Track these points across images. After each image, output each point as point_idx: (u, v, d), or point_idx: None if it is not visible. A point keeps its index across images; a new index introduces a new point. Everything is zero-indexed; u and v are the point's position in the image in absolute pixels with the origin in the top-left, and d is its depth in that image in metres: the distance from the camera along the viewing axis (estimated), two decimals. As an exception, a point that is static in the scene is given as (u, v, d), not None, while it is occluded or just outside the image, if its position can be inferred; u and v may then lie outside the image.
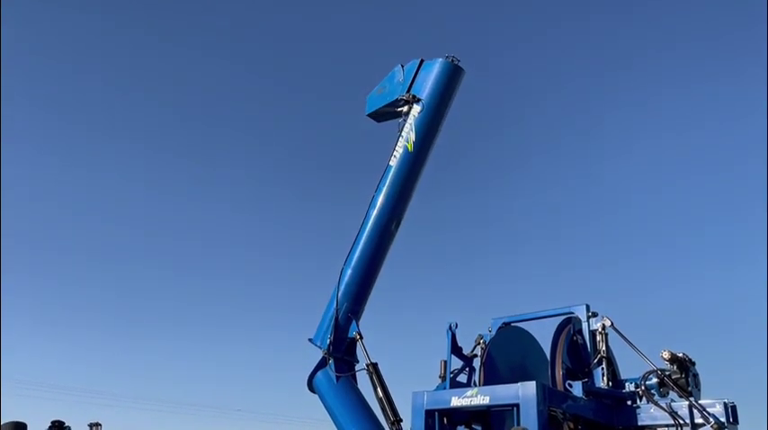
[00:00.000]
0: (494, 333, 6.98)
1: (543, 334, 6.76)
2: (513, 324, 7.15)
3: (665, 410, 5.90)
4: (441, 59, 8.23)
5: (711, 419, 5.66)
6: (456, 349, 6.79)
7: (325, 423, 8.12)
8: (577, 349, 6.69)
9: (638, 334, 6.65)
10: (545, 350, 6.82)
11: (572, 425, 5.65)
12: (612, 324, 6.59)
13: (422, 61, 8.38)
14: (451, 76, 8.19)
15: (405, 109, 8.23)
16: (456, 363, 6.81)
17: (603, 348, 6.54)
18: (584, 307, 6.86)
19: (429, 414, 6.00)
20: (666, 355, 6.03)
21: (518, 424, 5.28)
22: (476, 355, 6.83)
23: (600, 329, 6.65)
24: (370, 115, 8.99)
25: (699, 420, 5.76)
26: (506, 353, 6.76)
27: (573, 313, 6.87)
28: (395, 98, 8.42)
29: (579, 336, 6.74)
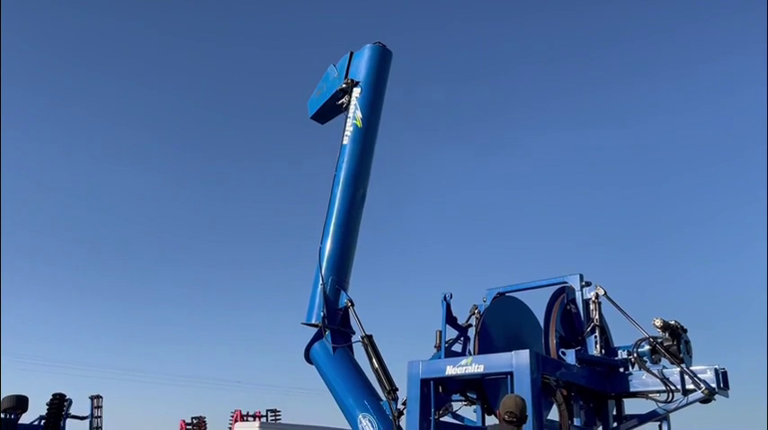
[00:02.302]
0: (488, 303, 7.03)
1: (537, 303, 6.84)
2: (507, 294, 7.20)
3: (657, 377, 5.98)
4: (368, 45, 9.10)
5: (702, 385, 5.74)
6: (451, 319, 6.84)
7: (322, 393, 8.26)
8: (571, 318, 6.74)
9: (631, 303, 6.72)
10: (539, 319, 6.90)
11: (565, 392, 5.72)
12: (606, 293, 6.63)
13: (351, 53, 9.18)
14: (381, 56, 9.02)
15: (345, 100, 8.98)
16: (451, 333, 6.87)
17: (596, 317, 6.60)
18: (578, 276, 6.90)
19: (424, 382, 6.07)
20: (659, 323, 6.08)
21: (512, 391, 5.36)
22: (470, 325, 6.88)
23: (593, 298, 6.68)
24: (313, 117, 9.71)
25: (690, 386, 5.84)
26: (501, 323, 6.81)
27: (567, 283, 6.90)
28: (333, 92, 9.16)
29: (573, 306, 6.79)
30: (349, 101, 8.85)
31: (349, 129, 8.69)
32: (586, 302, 6.75)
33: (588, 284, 6.83)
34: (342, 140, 8.72)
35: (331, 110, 9.48)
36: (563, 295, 6.76)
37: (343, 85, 8.96)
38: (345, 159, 8.54)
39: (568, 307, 6.75)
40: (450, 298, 6.83)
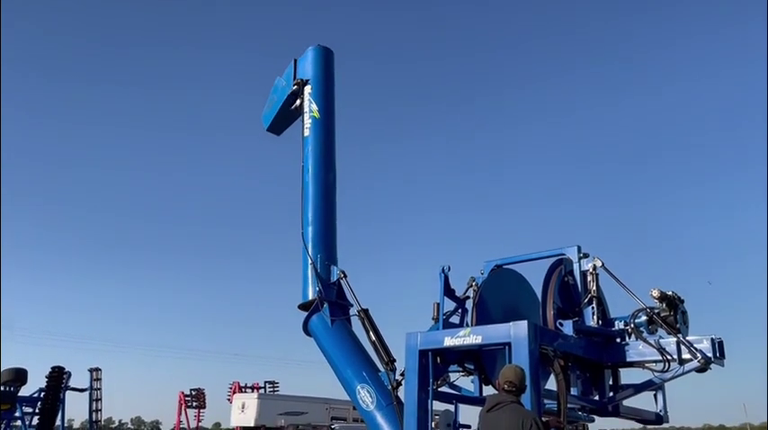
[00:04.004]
0: (486, 275, 7.03)
1: (535, 275, 6.85)
2: (505, 266, 7.20)
3: (654, 346, 6.02)
4: (310, 48, 9.65)
5: (699, 354, 5.78)
6: (449, 291, 6.85)
7: (320, 365, 8.34)
8: (568, 289, 6.76)
9: (629, 274, 6.73)
10: (537, 291, 6.92)
11: (562, 362, 5.76)
12: (603, 264, 6.64)
13: (295, 60, 9.72)
14: (324, 54, 9.62)
15: (297, 102, 9.50)
16: (449, 306, 6.89)
17: (594, 288, 6.62)
18: (576, 248, 6.90)
19: (422, 353, 6.11)
20: (656, 294, 6.10)
21: (510, 362, 5.39)
22: (468, 297, 6.89)
23: (591, 270, 6.69)
24: (269, 129, 10.20)
25: (686, 355, 5.88)
26: (498, 295, 6.83)
27: (564, 254, 6.91)
28: (285, 98, 9.67)
29: (570, 277, 6.80)
30: (302, 100, 9.39)
31: (308, 122, 9.21)
32: (584, 274, 6.77)
33: (586, 256, 6.83)
34: (303, 134, 9.23)
35: (285, 118, 10.00)
36: (561, 267, 6.76)
37: (294, 88, 9.50)
38: (310, 149, 9.03)
39: (566, 278, 6.76)
40: (449, 270, 6.84)
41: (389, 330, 7.71)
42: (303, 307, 8.36)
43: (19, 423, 22.63)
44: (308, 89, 9.35)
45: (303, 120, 9.31)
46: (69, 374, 25.17)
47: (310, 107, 9.24)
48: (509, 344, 5.53)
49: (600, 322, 6.56)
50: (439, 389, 6.29)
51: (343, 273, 8.19)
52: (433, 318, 6.86)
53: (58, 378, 24.92)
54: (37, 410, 24.38)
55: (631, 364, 6.38)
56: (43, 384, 25.13)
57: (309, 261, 8.31)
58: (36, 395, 24.28)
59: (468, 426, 6.37)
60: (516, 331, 5.50)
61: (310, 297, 8.28)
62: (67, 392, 25.12)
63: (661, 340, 6.05)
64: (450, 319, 6.84)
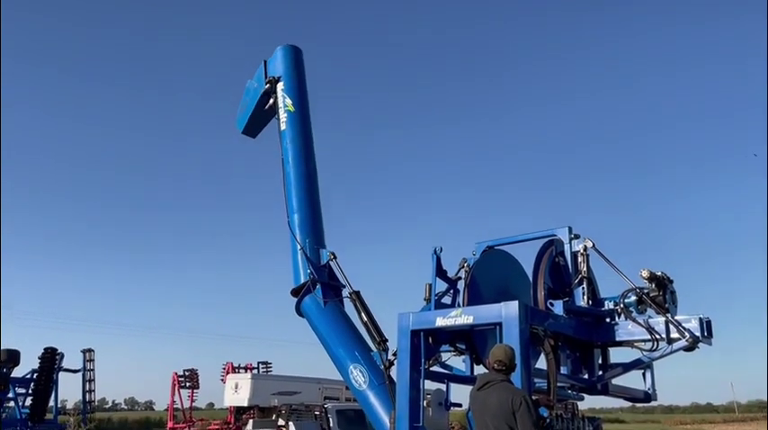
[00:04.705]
0: (478, 256, 7.07)
1: (527, 256, 6.89)
2: (496, 247, 7.24)
3: (643, 326, 6.08)
4: (279, 47, 9.88)
5: (687, 333, 5.85)
6: (441, 272, 6.89)
7: (314, 346, 8.39)
8: (559, 270, 6.81)
9: (620, 255, 6.78)
10: (528, 272, 6.96)
11: (552, 342, 5.82)
12: (594, 245, 6.68)
13: (265, 61, 9.90)
14: (293, 52, 9.85)
15: (271, 101, 9.67)
16: (441, 287, 6.94)
17: (584, 269, 6.66)
18: (567, 229, 6.94)
19: (414, 333, 6.15)
20: (645, 274, 6.14)
21: (501, 342, 5.44)
22: (460, 278, 6.94)
23: (581, 251, 6.74)
24: (244, 132, 10.33)
25: (675, 335, 5.94)
26: (490, 276, 6.87)
27: (555, 235, 6.95)
28: (258, 99, 9.83)
29: (561, 258, 6.84)
30: (276, 97, 9.58)
31: (283, 116, 9.38)
32: (575, 255, 6.80)
33: (577, 237, 6.87)
34: (279, 128, 9.41)
35: (260, 119, 10.15)
36: (552, 248, 6.80)
37: (266, 86, 9.67)
38: (288, 141, 9.22)
39: (557, 259, 6.80)
40: (440, 251, 6.87)
41: (381, 313, 7.77)
42: (295, 292, 8.39)
43: (12, 404, 22.64)
44: (280, 86, 9.57)
45: (278, 116, 9.49)
46: (62, 355, 25.17)
47: (284, 102, 9.44)
48: (500, 324, 5.58)
49: (590, 302, 6.62)
50: (430, 369, 6.35)
51: (333, 254, 8.25)
52: (425, 299, 6.91)
53: (50, 359, 24.91)
54: (30, 391, 24.39)
55: (620, 343, 6.45)
56: (36, 365, 25.11)
57: (299, 247, 8.39)
58: (29, 376, 24.28)
59: (460, 405, 6.45)
60: (507, 311, 5.54)
61: (302, 280, 8.32)
62: (60, 373, 25.17)
63: (650, 319, 6.11)
64: (443, 300, 6.89)
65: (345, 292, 8.17)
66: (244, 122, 10.27)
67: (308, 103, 9.67)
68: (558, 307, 6.26)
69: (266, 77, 9.76)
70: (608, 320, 6.54)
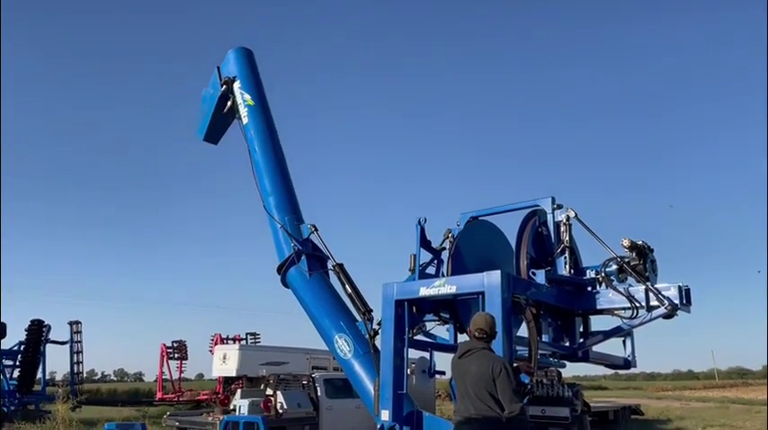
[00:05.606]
0: (462, 226, 7.10)
1: (511, 226, 6.93)
2: (480, 217, 7.27)
3: (623, 294, 6.16)
4: (230, 50, 10.05)
5: (666, 301, 5.94)
6: (425, 243, 6.92)
7: (300, 316, 8.45)
8: (542, 240, 6.87)
9: (602, 225, 6.84)
10: (511, 242, 7.02)
11: (534, 310, 5.88)
12: (576, 215, 6.73)
13: (218, 67, 10.03)
14: (245, 52, 10.04)
15: (229, 103, 9.79)
16: (425, 257, 6.98)
17: (566, 238, 6.73)
18: (550, 199, 6.98)
19: (399, 303, 6.21)
20: (626, 243, 6.21)
21: (483, 310, 5.50)
22: (444, 248, 6.97)
23: (564, 220, 6.79)
24: (206, 139, 10.39)
25: (654, 303, 6.03)
26: (474, 246, 6.91)
27: (539, 206, 6.99)
28: (216, 103, 9.91)
29: (544, 228, 6.89)
30: (234, 97, 9.72)
31: (244, 111, 9.53)
32: (557, 224, 6.86)
33: (560, 207, 6.92)
34: (242, 124, 9.56)
35: (219, 124, 10.22)
36: (535, 218, 6.85)
37: (223, 88, 9.78)
38: (253, 133, 9.35)
39: (540, 229, 6.86)
40: (425, 222, 6.89)
41: (366, 284, 7.81)
42: (280, 268, 8.41)
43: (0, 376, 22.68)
44: (237, 85, 9.73)
45: (239, 113, 9.63)
46: (49, 327, 25.19)
47: (243, 98, 9.61)
48: (483, 293, 5.63)
49: (572, 271, 6.70)
50: (414, 338, 6.43)
51: (314, 227, 8.28)
52: (409, 269, 6.95)
53: (37, 331, 24.87)
54: (17, 363, 24.39)
55: (601, 312, 6.55)
56: (23, 337, 25.05)
57: (279, 226, 8.46)
58: (16, 348, 24.26)
59: (443, 372, 6.54)
60: (489, 280, 5.59)
61: (286, 254, 8.33)
62: (48, 345, 25.20)
63: (630, 288, 6.20)
64: (427, 270, 6.93)
65: (330, 265, 8.20)
66: (204, 130, 10.34)
67: (266, 96, 9.83)
68: (540, 276, 6.34)
69: (221, 78, 9.90)
70: (589, 289, 6.63)
